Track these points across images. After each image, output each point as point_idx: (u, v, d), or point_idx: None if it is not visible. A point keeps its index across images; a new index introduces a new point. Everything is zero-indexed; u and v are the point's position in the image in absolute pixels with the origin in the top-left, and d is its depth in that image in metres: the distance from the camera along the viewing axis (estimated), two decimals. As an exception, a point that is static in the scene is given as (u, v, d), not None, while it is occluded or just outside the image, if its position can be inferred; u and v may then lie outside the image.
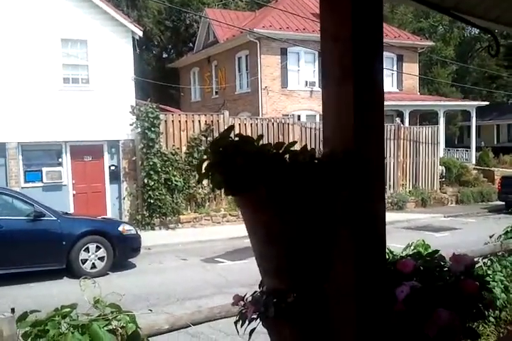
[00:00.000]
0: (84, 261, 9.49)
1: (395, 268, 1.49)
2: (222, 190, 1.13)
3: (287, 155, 1.15)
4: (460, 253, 1.55)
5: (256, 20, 22.88)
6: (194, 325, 3.93)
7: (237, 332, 1.46)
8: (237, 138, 1.11)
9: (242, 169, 1.07)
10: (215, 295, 7.74)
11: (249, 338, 1.42)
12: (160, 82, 23.22)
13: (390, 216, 16.62)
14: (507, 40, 37.26)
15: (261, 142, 1.14)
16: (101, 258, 9.64)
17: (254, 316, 1.40)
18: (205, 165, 1.12)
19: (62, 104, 13.80)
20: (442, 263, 1.54)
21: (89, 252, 9.55)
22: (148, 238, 11.98)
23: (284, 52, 21.01)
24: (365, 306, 1.26)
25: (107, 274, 9.60)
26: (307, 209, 1.09)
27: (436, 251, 1.63)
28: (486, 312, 1.46)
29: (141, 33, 15.40)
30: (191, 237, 13.23)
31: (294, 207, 1.07)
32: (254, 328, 1.39)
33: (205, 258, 10.99)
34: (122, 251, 9.88)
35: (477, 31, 41.04)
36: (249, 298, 1.45)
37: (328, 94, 1.32)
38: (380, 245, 1.31)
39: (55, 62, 13.93)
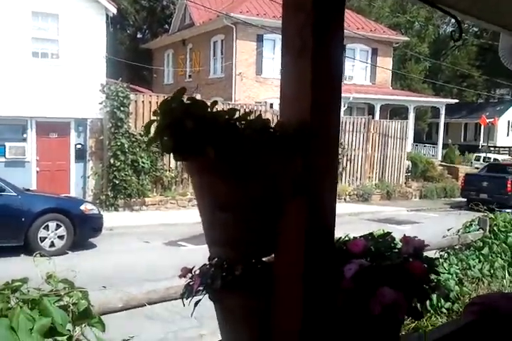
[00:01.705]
0: (43, 239, 9.34)
1: (346, 247, 1.49)
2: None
3: (241, 123, 1.12)
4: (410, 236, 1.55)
5: (234, 5, 22.64)
6: (149, 304, 3.91)
7: (183, 304, 1.43)
8: (188, 101, 1.07)
9: (192, 133, 1.03)
10: (175, 278, 7.66)
11: (194, 309, 1.40)
12: (133, 62, 22.86)
13: (355, 207, 16.83)
14: (479, 39, 37.89)
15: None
16: (60, 237, 9.49)
17: (201, 288, 1.38)
18: (153, 127, 1.08)
19: (30, 78, 13.43)
20: (393, 245, 1.54)
21: (48, 230, 9.40)
22: (112, 219, 11.85)
23: (260, 39, 20.89)
24: (313, 280, 1.25)
25: (66, 253, 9.47)
26: (257, 176, 1.06)
27: (389, 233, 1.63)
28: (433, 295, 1.47)
29: (115, 11, 15.07)
30: (155, 220, 13.14)
31: (243, 173, 1.04)
32: (200, 300, 1.37)
33: (168, 241, 10.93)
34: (83, 231, 9.74)
35: (451, 30, 41.53)
36: (198, 271, 1.43)
37: (286, 65, 1.30)
38: (330, 220, 1.30)
39: (24, 35, 13.54)
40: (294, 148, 1.11)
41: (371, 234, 1.62)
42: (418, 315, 1.39)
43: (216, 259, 1.41)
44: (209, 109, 1.11)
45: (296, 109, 1.23)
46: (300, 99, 1.22)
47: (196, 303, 1.37)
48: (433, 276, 1.50)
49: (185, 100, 1.07)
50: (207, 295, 1.35)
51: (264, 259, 1.40)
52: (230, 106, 16.19)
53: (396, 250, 1.50)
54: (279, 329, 1.27)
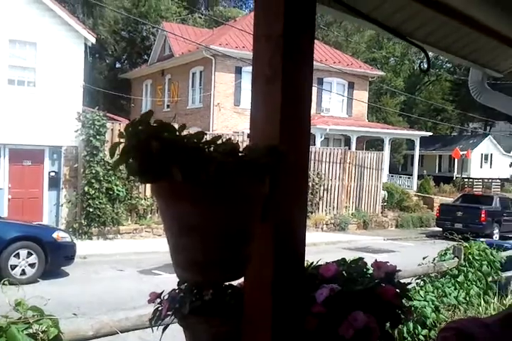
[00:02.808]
0: (13, 267, 9.11)
1: (317, 272, 1.49)
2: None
3: (209, 147, 1.12)
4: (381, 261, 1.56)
5: (213, 38, 23.02)
6: (122, 332, 3.81)
7: (152, 329, 1.41)
8: (155, 124, 1.07)
9: (158, 154, 1.03)
10: (149, 307, 7.52)
11: (162, 333, 1.37)
12: (111, 91, 22.90)
13: (332, 236, 16.85)
14: (453, 75, 38.96)
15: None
16: (32, 265, 9.27)
17: (170, 313, 1.36)
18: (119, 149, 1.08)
19: (5, 106, 13.33)
20: (365, 270, 1.54)
21: (19, 258, 9.17)
22: (85, 247, 11.64)
23: (238, 71, 21.17)
24: (282, 304, 1.24)
25: (37, 281, 9.24)
26: (224, 200, 1.06)
27: (361, 259, 1.64)
28: (406, 319, 1.47)
29: (93, 40, 15.14)
30: (130, 248, 12.94)
31: (209, 195, 1.04)
32: (168, 325, 1.35)
33: (142, 269, 10.75)
34: (55, 259, 9.53)
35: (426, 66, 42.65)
36: (166, 296, 1.41)
37: (256, 92, 1.32)
38: (300, 244, 1.30)
39: (1, 62, 13.48)
40: (263, 172, 1.11)
41: (343, 259, 1.62)
42: (390, 339, 1.38)
43: (185, 284, 1.39)
44: (177, 133, 1.11)
45: (266, 134, 1.24)
46: (269, 124, 1.23)
47: (164, 329, 1.35)
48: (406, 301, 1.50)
49: (152, 123, 1.07)
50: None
51: (235, 284, 1.39)
52: (207, 136, 16.20)
53: (368, 275, 1.50)
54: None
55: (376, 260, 1.54)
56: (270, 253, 1.23)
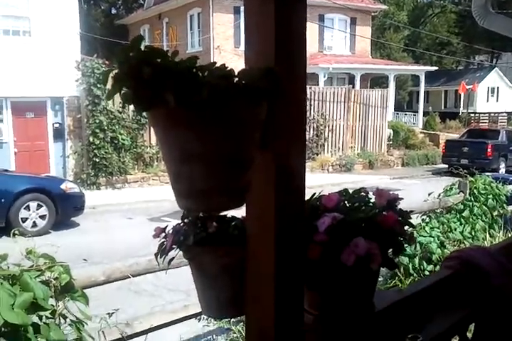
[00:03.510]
0: (24, 220, 9.24)
1: (320, 202, 1.48)
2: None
3: (203, 72, 1.08)
4: (383, 188, 1.55)
5: (209, -23, 22.19)
6: (133, 276, 3.90)
7: (158, 263, 1.42)
8: (147, 49, 1.03)
9: (151, 80, 0.99)
10: (159, 253, 7.68)
11: (168, 265, 1.38)
12: (108, 38, 22.41)
13: (338, 177, 16.91)
14: (458, 6, 37.74)
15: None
16: (42, 217, 9.40)
17: (174, 246, 1.37)
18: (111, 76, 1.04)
19: (2, 57, 13.08)
20: (367, 199, 1.53)
21: (29, 210, 9.29)
22: (94, 197, 11.76)
23: (237, 11, 20.56)
24: (285, 231, 1.24)
25: (49, 233, 9.40)
26: (220, 124, 1.03)
27: (363, 188, 1.62)
28: (408, 247, 1.48)
29: (86, -15, 14.68)
30: (138, 197, 13.07)
31: (206, 120, 1.01)
32: (173, 258, 1.36)
33: (151, 217, 10.90)
34: (65, 210, 9.65)
35: (430, -3, 41.33)
36: (171, 230, 1.41)
37: (249, 14, 1.26)
38: (300, 171, 1.28)
39: (-7, 12, 13.15)
40: (259, 95, 1.07)
41: (345, 189, 1.61)
42: (393, 265, 1.39)
43: (189, 218, 1.39)
44: (169, 58, 1.07)
45: (261, 56, 1.19)
46: (264, 45, 1.18)
47: (170, 261, 1.36)
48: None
49: (143, 48, 1.03)
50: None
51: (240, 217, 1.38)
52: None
53: (370, 204, 1.50)
54: (252, 281, 1.26)
55: (378, 188, 1.53)
56: (272, 182, 1.21)
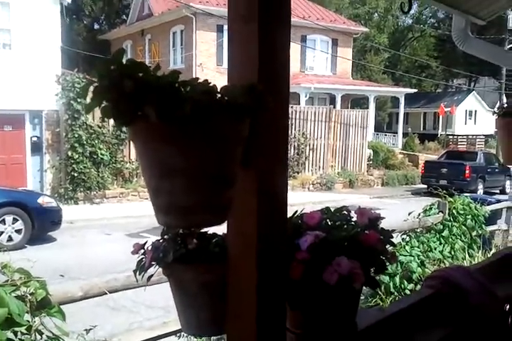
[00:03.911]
0: (0, 234, 9.08)
1: (302, 220, 1.47)
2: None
3: (185, 87, 1.07)
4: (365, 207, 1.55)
5: (193, -5, 22.39)
6: (110, 292, 3.83)
7: (136, 280, 1.39)
8: (128, 63, 1.01)
9: (132, 94, 0.97)
10: (137, 270, 7.59)
11: (147, 282, 1.36)
12: (90, 53, 22.38)
13: (319, 196, 16.96)
14: (437, 30, 38.60)
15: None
16: (18, 231, 9.25)
17: (154, 263, 1.34)
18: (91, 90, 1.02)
19: (-18, 69, 12.98)
20: (348, 218, 1.53)
21: (5, 224, 9.13)
22: (71, 212, 11.61)
23: (220, 29, 20.72)
24: (267, 248, 1.22)
25: (25, 247, 9.25)
26: (202, 140, 1.01)
27: (345, 207, 1.62)
28: (389, 266, 1.47)
29: (69, -1, 14.67)
30: (117, 212, 12.93)
31: (186, 135, 0.99)
32: (152, 275, 1.34)
33: (130, 233, 10.79)
34: (42, 224, 9.50)
35: (410, 21, 42.23)
36: (150, 247, 1.39)
37: (233, 31, 1.26)
38: (282, 190, 1.27)
39: (-26, 24, 13.05)
40: (241, 111, 1.06)
41: (327, 208, 1.60)
42: (375, 284, 1.38)
43: (168, 234, 1.37)
44: (151, 73, 1.06)
45: (243, 74, 1.19)
46: (247, 63, 1.18)
47: (149, 278, 1.33)
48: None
49: (124, 62, 1.02)
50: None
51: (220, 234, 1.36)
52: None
53: (352, 223, 1.49)
54: (234, 300, 1.24)
55: (359, 207, 1.53)
56: (254, 199, 1.20)
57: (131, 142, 1.12)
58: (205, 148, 1.02)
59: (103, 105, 1.03)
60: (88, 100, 1.04)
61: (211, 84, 1.10)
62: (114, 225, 11.59)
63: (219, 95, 1.09)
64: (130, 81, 0.98)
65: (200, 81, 1.10)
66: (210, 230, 1.28)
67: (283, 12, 1.25)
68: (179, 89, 1.04)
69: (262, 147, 1.19)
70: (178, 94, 1.01)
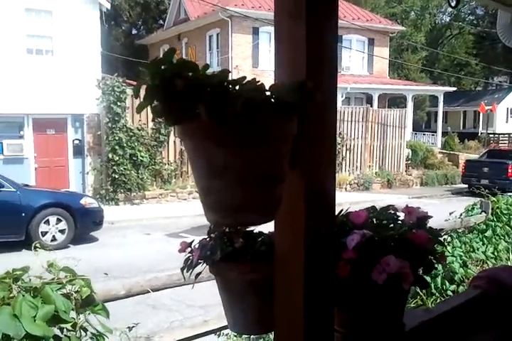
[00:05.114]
0: (44, 234, 9.35)
1: (347, 219, 1.46)
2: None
3: (234, 86, 1.08)
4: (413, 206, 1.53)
5: (228, -2, 22.53)
6: (153, 291, 3.89)
7: (184, 278, 1.41)
8: (178, 62, 1.03)
9: (183, 93, 0.98)
10: (178, 269, 7.66)
11: (195, 280, 1.37)
12: (129, 57, 22.76)
13: (355, 196, 16.80)
14: (476, 28, 37.76)
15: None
16: (61, 231, 9.50)
17: (201, 261, 1.35)
18: (142, 90, 1.04)
19: (25, 75, 13.33)
20: (395, 217, 1.51)
21: (49, 224, 9.40)
22: (112, 213, 11.84)
23: (255, 32, 20.77)
24: (315, 248, 1.22)
25: (68, 247, 9.49)
26: (252, 139, 1.02)
27: (391, 205, 1.60)
28: (438, 265, 1.45)
29: (108, 6, 14.99)
30: (156, 213, 13.12)
31: (237, 134, 1.00)
32: (200, 272, 1.35)
33: (169, 233, 10.92)
34: (84, 224, 9.74)
35: (448, 19, 41.44)
36: (197, 245, 1.40)
37: (280, 28, 1.25)
38: (330, 187, 1.26)
39: (19, 32, 13.44)
40: (291, 109, 1.06)
41: (373, 206, 1.59)
42: (424, 284, 1.36)
43: (216, 233, 1.38)
44: (200, 72, 1.07)
45: (291, 71, 1.19)
46: (295, 60, 1.18)
47: (196, 276, 1.34)
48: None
49: (174, 61, 1.03)
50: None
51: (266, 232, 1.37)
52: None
53: (399, 222, 1.47)
54: (281, 300, 1.23)
55: (407, 205, 1.51)
56: (302, 199, 1.19)
57: (181, 141, 1.13)
58: (254, 147, 1.02)
59: (154, 104, 1.05)
60: (137, 100, 1.05)
61: (259, 83, 1.11)
62: (154, 225, 11.75)
63: (267, 93, 1.09)
64: (181, 80, 0.99)
65: (247, 79, 1.10)
66: (257, 229, 1.28)
67: (330, 8, 1.24)
68: (228, 87, 1.05)
69: (311, 146, 1.18)
70: (228, 92, 1.02)
